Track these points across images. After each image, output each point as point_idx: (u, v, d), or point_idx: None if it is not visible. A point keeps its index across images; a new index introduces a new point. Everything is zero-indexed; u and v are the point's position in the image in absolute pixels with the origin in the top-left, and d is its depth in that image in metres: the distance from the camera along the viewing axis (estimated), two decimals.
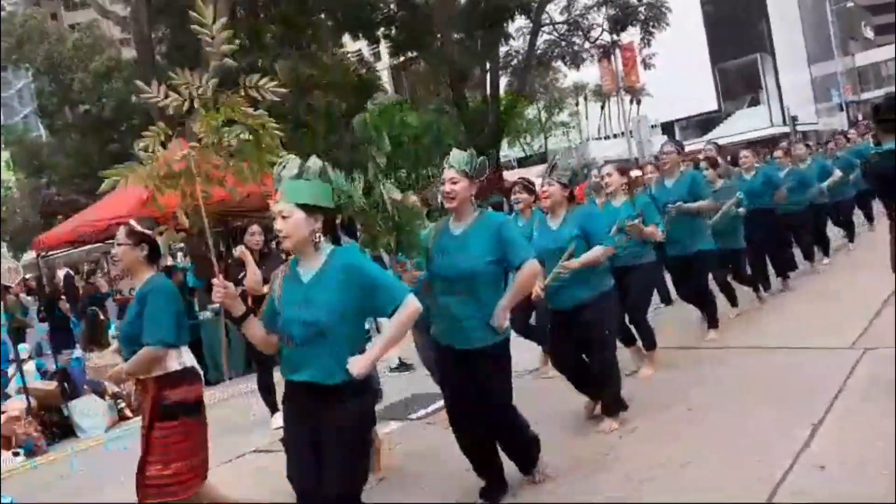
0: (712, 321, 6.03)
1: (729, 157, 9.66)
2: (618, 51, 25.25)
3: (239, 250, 6.36)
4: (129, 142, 31.78)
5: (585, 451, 3.97)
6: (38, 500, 5.12)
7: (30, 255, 11.18)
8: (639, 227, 4.98)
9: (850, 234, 9.56)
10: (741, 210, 6.58)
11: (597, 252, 4.11)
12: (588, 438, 4.17)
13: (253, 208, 9.63)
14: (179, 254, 15.41)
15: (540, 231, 4.40)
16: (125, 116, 27.53)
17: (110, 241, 9.19)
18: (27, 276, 15.42)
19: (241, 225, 9.38)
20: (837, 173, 8.78)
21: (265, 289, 5.56)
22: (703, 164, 6.76)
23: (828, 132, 31.13)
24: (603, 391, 4.31)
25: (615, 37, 22.43)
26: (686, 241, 5.84)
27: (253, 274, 5.28)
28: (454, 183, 3.42)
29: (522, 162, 35.45)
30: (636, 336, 5.37)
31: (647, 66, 24.63)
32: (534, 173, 26.02)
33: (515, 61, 23.46)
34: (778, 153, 8.52)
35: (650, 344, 5.30)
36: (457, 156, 3.48)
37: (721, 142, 11.05)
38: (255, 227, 5.93)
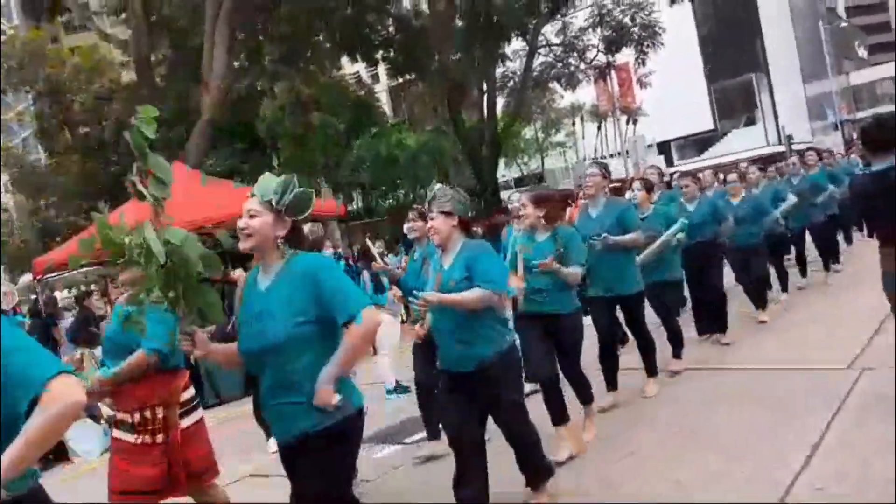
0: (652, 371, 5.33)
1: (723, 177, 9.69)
2: (613, 71, 25.47)
3: (238, 273, 6.40)
4: (128, 164, 32.08)
5: (585, 477, 3.95)
6: None
7: (27, 277, 11.19)
8: (549, 265, 4.13)
9: (832, 257, 8.81)
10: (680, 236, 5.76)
11: (473, 295, 3.27)
12: (586, 463, 4.14)
13: None
14: None
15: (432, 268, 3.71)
16: (125, 139, 27.67)
17: (108, 263, 9.22)
18: (21, 299, 15.39)
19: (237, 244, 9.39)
20: (791, 199, 7.72)
21: None
22: (636, 185, 5.96)
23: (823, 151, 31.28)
24: (521, 463, 3.59)
25: (610, 57, 22.63)
26: (612, 282, 4.99)
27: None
28: (251, 217, 2.64)
29: (519, 182, 35.60)
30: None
31: (642, 85, 24.85)
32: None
33: (512, 82, 23.66)
34: (732, 176, 7.43)
35: (586, 398, 4.56)
36: (262, 183, 2.71)
37: (717, 161, 10.85)
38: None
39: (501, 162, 25.30)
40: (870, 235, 9.52)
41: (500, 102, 23.70)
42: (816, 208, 8.37)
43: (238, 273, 6.44)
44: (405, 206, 26.77)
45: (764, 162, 9.28)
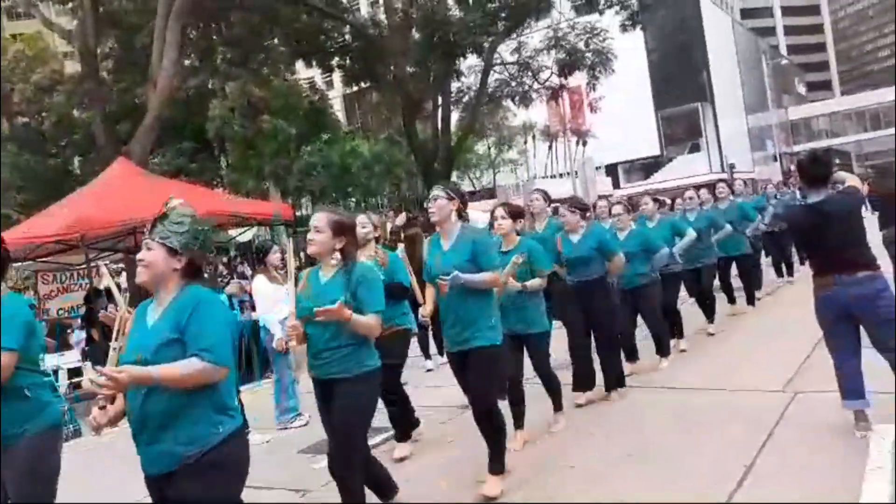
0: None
1: (670, 201, 9.95)
2: (565, 93, 25.94)
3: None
4: (69, 157, 30.89)
5: (520, 495, 3.96)
6: None
7: None
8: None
9: (755, 288, 8.90)
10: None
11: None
12: (526, 475, 4.15)
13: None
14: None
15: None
16: (66, 131, 26.78)
17: (42, 258, 8.86)
18: None
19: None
20: (691, 233, 7.05)
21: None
22: (498, 212, 4.80)
23: (762, 181, 32.47)
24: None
25: (563, 80, 23.03)
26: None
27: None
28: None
29: (471, 196, 35.83)
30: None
31: (593, 109, 25.33)
32: (483, 207, 26.28)
33: (467, 97, 23.84)
34: (617, 209, 6.50)
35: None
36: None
37: (663, 185, 11.02)
38: None
39: (454, 175, 25.41)
40: (801, 263, 9.99)
41: (455, 117, 23.83)
42: (738, 242, 8.28)
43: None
44: (355, 215, 26.61)
45: (707, 188, 9.53)
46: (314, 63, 22.05)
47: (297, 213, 18.24)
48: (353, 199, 30.08)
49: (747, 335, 7.36)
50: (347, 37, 21.18)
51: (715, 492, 3.54)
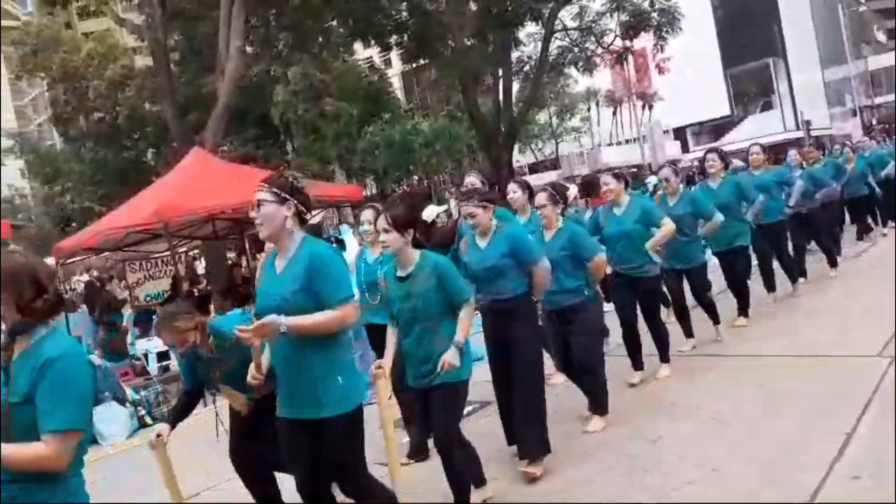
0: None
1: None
2: (630, 56, 25.19)
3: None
4: (142, 150, 32.00)
5: (612, 462, 3.93)
6: None
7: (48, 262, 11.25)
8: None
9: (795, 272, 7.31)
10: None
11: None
12: (613, 449, 4.11)
13: None
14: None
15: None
16: (139, 125, 27.75)
17: (128, 248, 9.25)
18: None
19: (256, 232, 9.42)
20: (760, 199, 6.48)
21: None
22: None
23: (841, 137, 30.95)
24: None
25: (628, 42, 22.38)
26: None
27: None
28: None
29: (534, 168, 35.47)
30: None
31: (660, 71, 24.56)
32: (545, 179, 25.99)
33: (527, 67, 23.47)
34: (665, 172, 6.01)
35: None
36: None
37: (734, 147, 10.12)
38: None
39: (516, 147, 25.17)
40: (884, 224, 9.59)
41: (515, 87, 23.51)
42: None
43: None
44: (420, 192, 26.77)
45: (782, 148, 9.03)
46: (372, 42, 22.09)
47: (363, 193, 18.47)
48: (416, 177, 30.22)
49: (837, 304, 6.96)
50: (404, 14, 21.10)
51: (813, 459, 3.42)
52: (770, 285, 7.12)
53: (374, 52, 29.25)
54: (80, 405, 1.94)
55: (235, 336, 2.79)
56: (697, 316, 6.01)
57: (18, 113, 54.77)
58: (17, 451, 1.86)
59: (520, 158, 33.34)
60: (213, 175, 8.83)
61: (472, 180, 5.28)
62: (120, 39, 30.61)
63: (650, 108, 33.00)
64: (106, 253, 9.62)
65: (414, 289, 3.31)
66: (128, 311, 9.79)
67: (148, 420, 6.95)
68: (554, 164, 32.40)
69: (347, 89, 27.94)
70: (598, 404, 4.42)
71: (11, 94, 55.54)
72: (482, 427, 4.57)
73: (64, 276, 10.57)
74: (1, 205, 29.56)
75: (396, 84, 37.75)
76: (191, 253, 11.40)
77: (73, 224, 25.98)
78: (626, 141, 33.66)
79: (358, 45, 25.83)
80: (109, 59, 27.99)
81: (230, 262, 12.20)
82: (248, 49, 20.23)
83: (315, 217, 15.28)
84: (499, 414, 4.14)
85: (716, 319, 5.99)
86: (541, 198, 4.46)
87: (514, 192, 5.16)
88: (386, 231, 3.29)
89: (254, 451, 3.50)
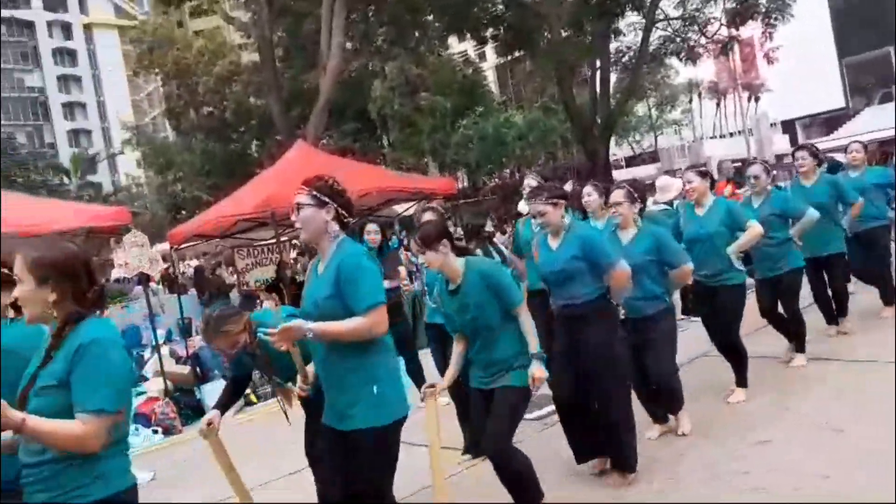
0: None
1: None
2: (736, 46, 24.09)
3: None
4: (247, 142, 33.33)
5: (716, 462, 3.79)
6: (175, 475, 5.45)
7: (160, 247, 11.99)
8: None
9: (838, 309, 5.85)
10: None
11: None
12: (719, 448, 3.97)
13: (369, 207, 9.92)
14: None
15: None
16: (244, 118, 28.98)
17: (238, 234, 9.71)
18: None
19: (355, 223, 9.69)
20: (811, 213, 5.13)
21: (386, 283, 5.70)
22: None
23: None
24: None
25: (734, 31, 21.42)
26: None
27: None
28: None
29: (631, 161, 34.61)
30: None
31: (769, 61, 23.40)
32: (643, 173, 25.31)
33: (626, 58, 22.91)
34: (756, 169, 5.30)
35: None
36: None
37: (848, 142, 8.68)
38: (371, 227, 6.04)
39: (612, 140, 24.64)
40: None
41: (613, 78, 23.01)
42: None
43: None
44: (511, 184, 26.67)
45: None
46: (467, 36, 22.15)
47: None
48: (507, 170, 30.10)
49: None
50: (500, 6, 21.03)
51: None
52: (883, 294, 6.12)
53: (468, 46, 29.33)
54: (114, 387, 1.96)
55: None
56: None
57: (135, 107, 58.49)
58: (53, 427, 1.90)
59: (616, 151, 32.61)
60: (315, 167, 9.11)
61: (531, 181, 5.12)
62: (227, 37, 32.01)
63: (757, 99, 31.46)
64: (216, 240, 10.11)
65: (467, 300, 3.22)
66: (235, 296, 10.27)
67: (253, 398, 7.26)
68: (653, 157, 31.47)
69: (442, 83, 28.13)
70: (675, 401, 4.20)
71: (129, 90, 59.39)
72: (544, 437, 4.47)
73: (177, 260, 11.22)
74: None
75: (490, 77, 37.72)
76: (293, 241, 11.82)
77: (184, 212, 27.45)
78: (731, 134, 32.26)
79: (453, 40, 26.02)
80: (218, 55, 29.33)
81: None
82: (348, 45, 20.77)
83: (409, 209, 15.53)
84: (561, 425, 3.84)
85: (794, 338, 5.22)
86: (617, 195, 4.11)
87: (588, 194, 4.91)
88: (421, 253, 3.27)
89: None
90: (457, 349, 3.40)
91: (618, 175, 21.72)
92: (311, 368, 2.99)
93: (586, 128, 20.58)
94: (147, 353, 8.71)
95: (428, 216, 4.65)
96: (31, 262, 2.01)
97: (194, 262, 14.39)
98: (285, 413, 3.52)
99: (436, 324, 4.60)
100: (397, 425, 2.69)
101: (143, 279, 8.43)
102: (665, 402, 4.21)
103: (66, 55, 59.98)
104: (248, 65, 27.71)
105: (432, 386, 3.37)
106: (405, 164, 26.89)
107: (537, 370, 3.16)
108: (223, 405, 3.53)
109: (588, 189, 4.99)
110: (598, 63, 20.81)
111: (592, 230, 4.06)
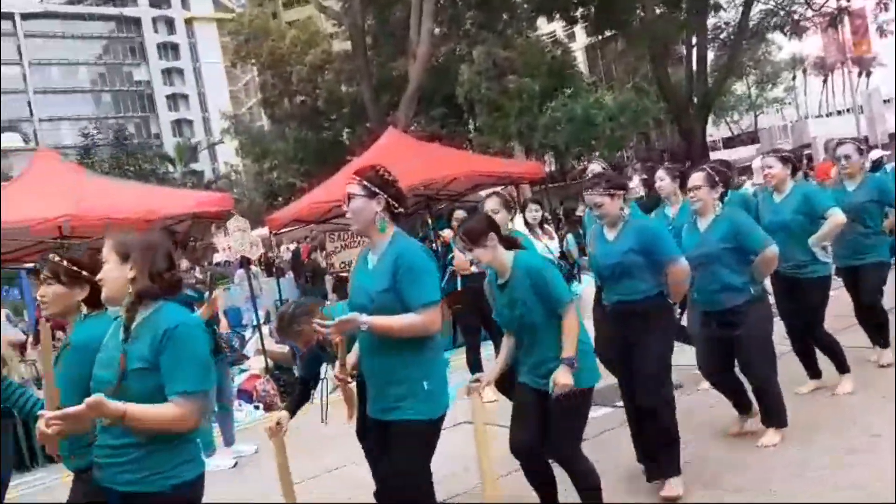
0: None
1: None
2: (846, 18, 22.58)
3: (447, 233, 6.64)
4: (339, 130, 34.13)
5: (763, 467, 3.62)
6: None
7: (258, 232, 12.53)
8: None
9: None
10: None
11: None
12: (766, 460, 3.77)
13: (457, 192, 9.98)
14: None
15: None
16: (336, 106, 29.62)
17: (334, 220, 10.01)
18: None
19: (443, 208, 9.78)
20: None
21: (473, 268, 5.72)
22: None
23: None
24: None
25: (844, 2, 20.08)
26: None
27: (461, 254, 5.42)
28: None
29: (729, 142, 33.19)
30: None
31: (882, 33, 21.84)
32: (742, 155, 24.21)
33: (724, 34, 21.92)
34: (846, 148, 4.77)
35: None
36: None
37: None
38: (459, 213, 6.07)
39: (710, 119, 23.66)
40: None
41: (710, 56, 22.07)
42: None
43: (447, 233, 6.68)
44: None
45: None
46: (556, 16, 21.77)
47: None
48: (597, 153, 29.46)
49: None
50: None
51: None
52: None
53: (557, 27, 28.77)
54: (202, 368, 2.07)
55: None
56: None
57: (233, 97, 60.88)
58: (145, 412, 1.97)
59: (713, 132, 31.35)
60: (406, 153, 9.26)
61: (595, 167, 4.95)
62: (320, 26, 32.74)
63: (868, 75, 29.43)
64: (311, 225, 10.45)
65: (515, 295, 3.09)
66: (329, 279, 10.60)
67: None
68: (752, 137, 30.00)
69: (530, 65, 27.72)
70: (773, 414, 3.83)
71: (227, 80, 61.87)
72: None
73: (274, 245, 11.69)
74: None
75: (580, 58, 36.94)
76: None
77: (279, 199, 28.42)
78: (838, 112, 30.36)
79: (541, 21, 25.61)
80: (311, 45, 30.00)
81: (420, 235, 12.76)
82: (437, 31, 20.84)
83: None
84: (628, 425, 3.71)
85: (879, 341, 4.76)
86: (695, 178, 3.83)
87: (661, 178, 4.73)
88: (469, 250, 3.15)
89: None
90: (507, 342, 3.30)
91: (715, 157, 20.85)
92: (350, 358, 2.99)
93: (682, 107, 19.90)
94: (248, 333, 9.14)
95: (491, 203, 4.56)
96: (116, 242, 2.19)
97: (292, 246, 14.92)
98: (324, 409, 3.51)
99: None
100: (442, 419, 2.75)
101: (245, 262, 8.82)
102: (759, 408, 3.91)
103: (169, 49, 63.19)
104: (339, 53, 28.23)
105: (478, 380, 3.26)
106: (492, 149, 26.81)
107: (561, 376, 2.96)
108: (293, 407, 3.56)
109: (661, 174, 4.80)
110: (694, 40, 20.01)
111: (654, 222, 3.93)
